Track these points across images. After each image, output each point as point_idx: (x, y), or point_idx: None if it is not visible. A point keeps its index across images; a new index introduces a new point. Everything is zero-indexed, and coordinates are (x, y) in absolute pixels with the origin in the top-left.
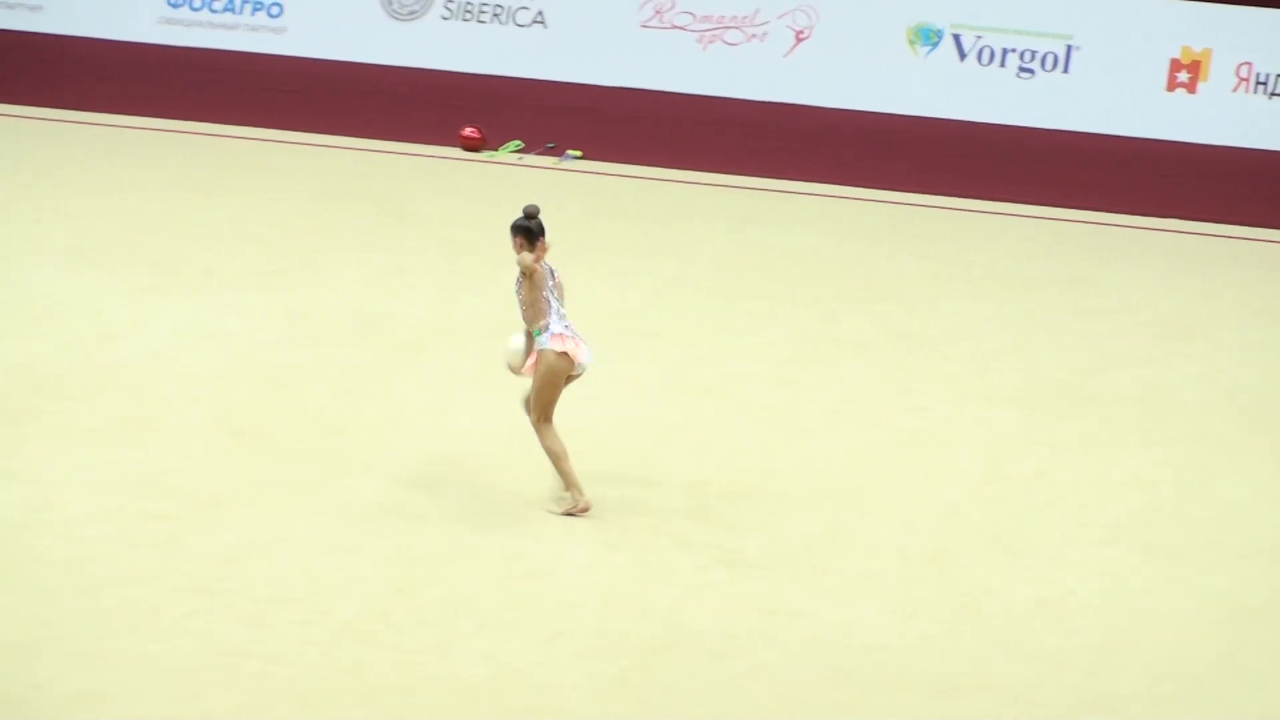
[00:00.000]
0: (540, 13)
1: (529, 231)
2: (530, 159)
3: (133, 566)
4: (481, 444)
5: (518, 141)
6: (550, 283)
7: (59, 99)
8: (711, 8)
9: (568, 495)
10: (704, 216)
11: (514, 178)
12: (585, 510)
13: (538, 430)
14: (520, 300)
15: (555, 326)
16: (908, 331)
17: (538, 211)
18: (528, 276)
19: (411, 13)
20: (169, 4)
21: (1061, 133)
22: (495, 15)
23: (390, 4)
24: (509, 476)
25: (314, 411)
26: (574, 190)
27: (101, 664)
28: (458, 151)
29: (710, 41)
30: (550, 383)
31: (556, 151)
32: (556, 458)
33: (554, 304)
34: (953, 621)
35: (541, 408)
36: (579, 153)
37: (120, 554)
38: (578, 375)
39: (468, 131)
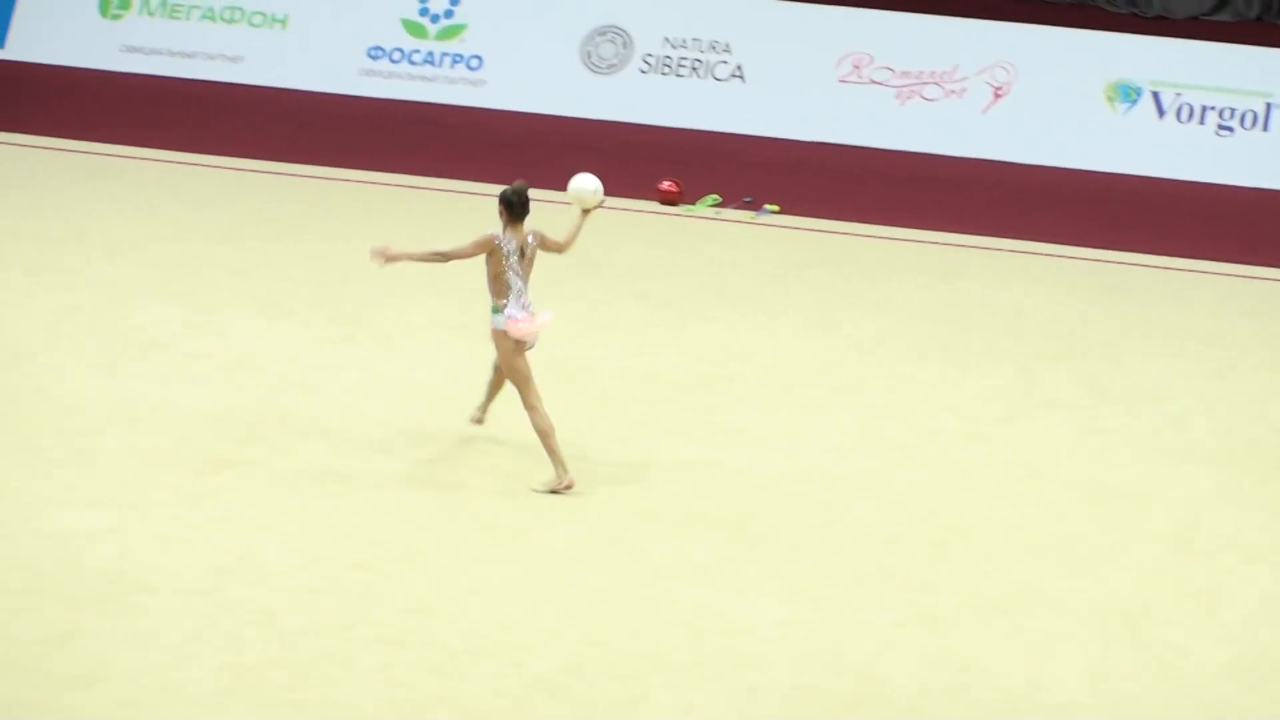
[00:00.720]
0: (739, 67)
1: (511, 205)
2: (727, 213)
3: (326, 616)
4: (674, 498)
5: (715, 196)
6: (517, 260)
7: (258, 150)
8: (910, 63)
9: (558, 478)
10: (900, 271)
11: (711, 232)
12: (569, 487)
13: (531, 419)
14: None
15: (512, 309)
16: (1103, 388)
17: (526, 189)
18: (489, 253)
19: (611, 66)
20: (369, 56)
21: (1261, 190)
22: (694, 70)
23: (589, 58)
24: (703, 530)
25: (508, 463)
26: (771, 244)
27: (294, 713)
28: (655, 205)
29: (909, 97)
30: (509, 364)
31: (754, 206)
32: (546, 435)
33: (515, 285)
34: (1146, 680)
35: (521, 389)
36: (776, 207)
37: (315, 603)
38: (531, 346)
39: (665, 185)
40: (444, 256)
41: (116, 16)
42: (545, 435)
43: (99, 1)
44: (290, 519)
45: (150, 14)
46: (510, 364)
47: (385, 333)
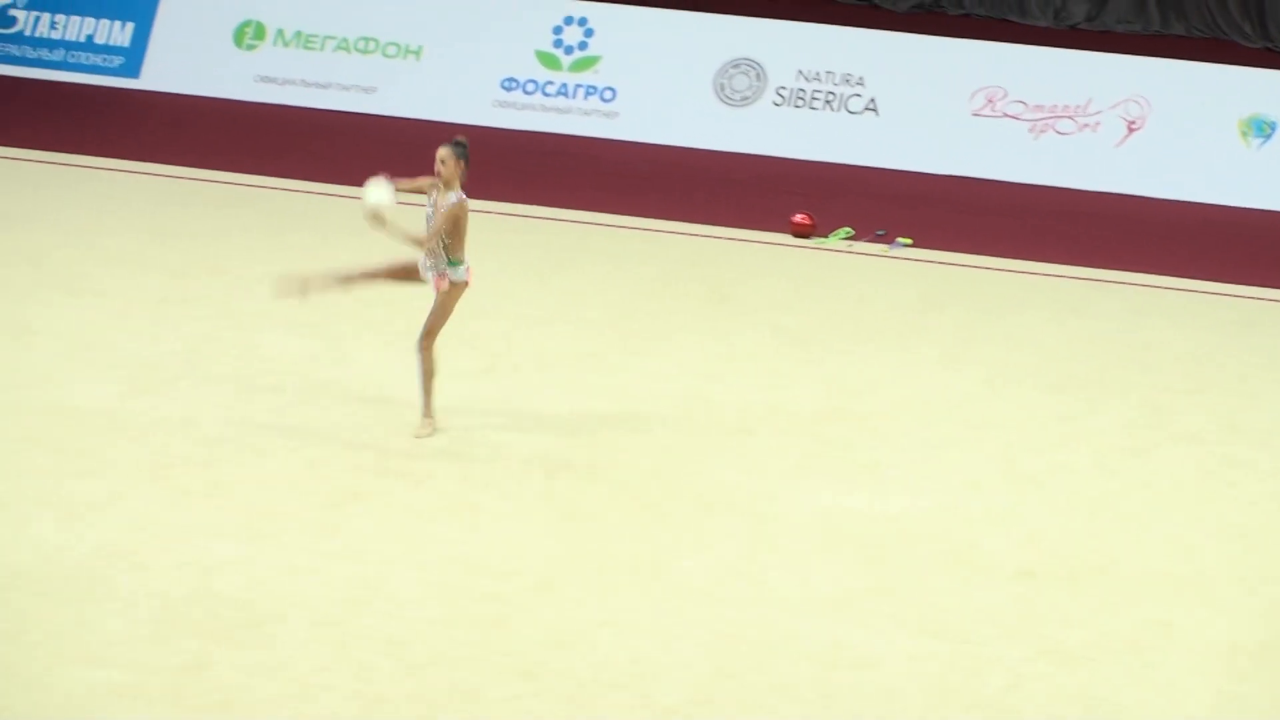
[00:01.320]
0: (873, 100)
1: (466, 156)
2: (860, 246)
3: (457, 647)
4: (805, 531)
5: (848, 229)
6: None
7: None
8: (1044, 97)
9: (424, 421)
10: (1033, 306)
11: (844, 264)
12: (429, 434)
13: (428, 352)
14: (433, 227)
15: (468, 261)
16: (1235, 423)
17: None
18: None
19: (744, 99)
20: (503, 87)
21: None
22: (827, 102)
23: (723, 90)
24: (833, 562)
25: (639, 495)
26: (904, 278)
27: None
28: (788, 237)
29: (1042, 131)
30: (450, 309)
31: (887, 239)
32: (428, 376)
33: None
34: (1277, 718)
35: (437, 331)
36: (909, 240)
37: (445, 634)
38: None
39: (798, 218)
40: (429, 238)
41: (251, 47)
42: (429, 376)
43: (233, 32)
44: (421, 550)
45: (285, 44)
46: (447, 312)
47: (519, 365)
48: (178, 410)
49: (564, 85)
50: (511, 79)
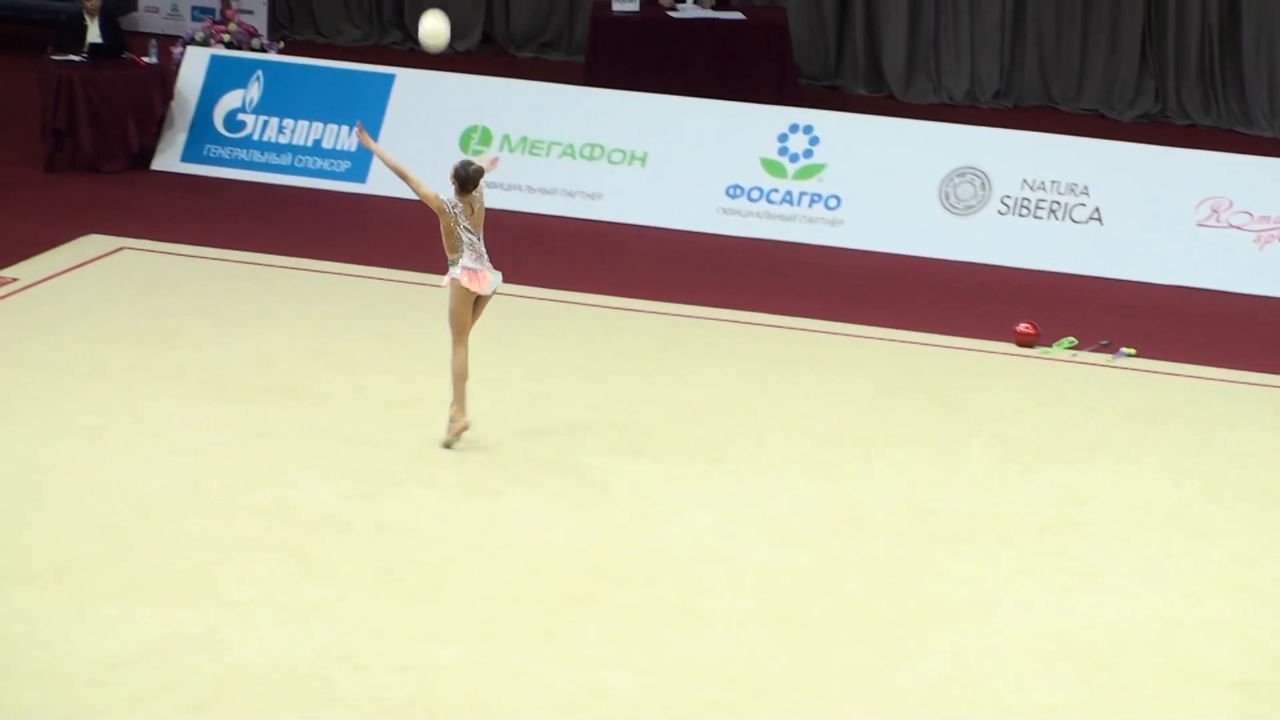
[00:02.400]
0: (1097, 209)
1: (463, 182)
2: (1084, 356)
3: None
4: (1026, 639)
5: (1072, 338)
6: (465, 219)
7: (617, 287)
8: (1270, 207)
9: (453, 421)
10: (1257, 418)
11: (1067, 374)
12: (463, 429)
13: (453, 347)
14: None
15: (466, 260)
16: None
17: (479, 172)
18: (436, 211)
19: (969, 208)
20: (727, 194)
21: None
22: (1052, 212)
23: (947, 199)
24: (1054, 671)
25: (858, 601)
26: (1127, 388)
27: None
28: (1011, 346)
29: (1268, 241)
30: (456, 307)
31: (1110, 349)
32: (458, 378)
33: (467, 240)
34: None
35: (454, 331)
36: (1133, 350)
37: None
38: (489, 296)
39: (1022, 327)
40: (405, 176)
41: (477, 152)
42: (460, 378)
43: (460, 137)
44: (642, 654)
45: (510, 150)
46: (455, 310)
47: (740, 470)
48: (401, 513)
49: (789, 193)
50: (736, 186)
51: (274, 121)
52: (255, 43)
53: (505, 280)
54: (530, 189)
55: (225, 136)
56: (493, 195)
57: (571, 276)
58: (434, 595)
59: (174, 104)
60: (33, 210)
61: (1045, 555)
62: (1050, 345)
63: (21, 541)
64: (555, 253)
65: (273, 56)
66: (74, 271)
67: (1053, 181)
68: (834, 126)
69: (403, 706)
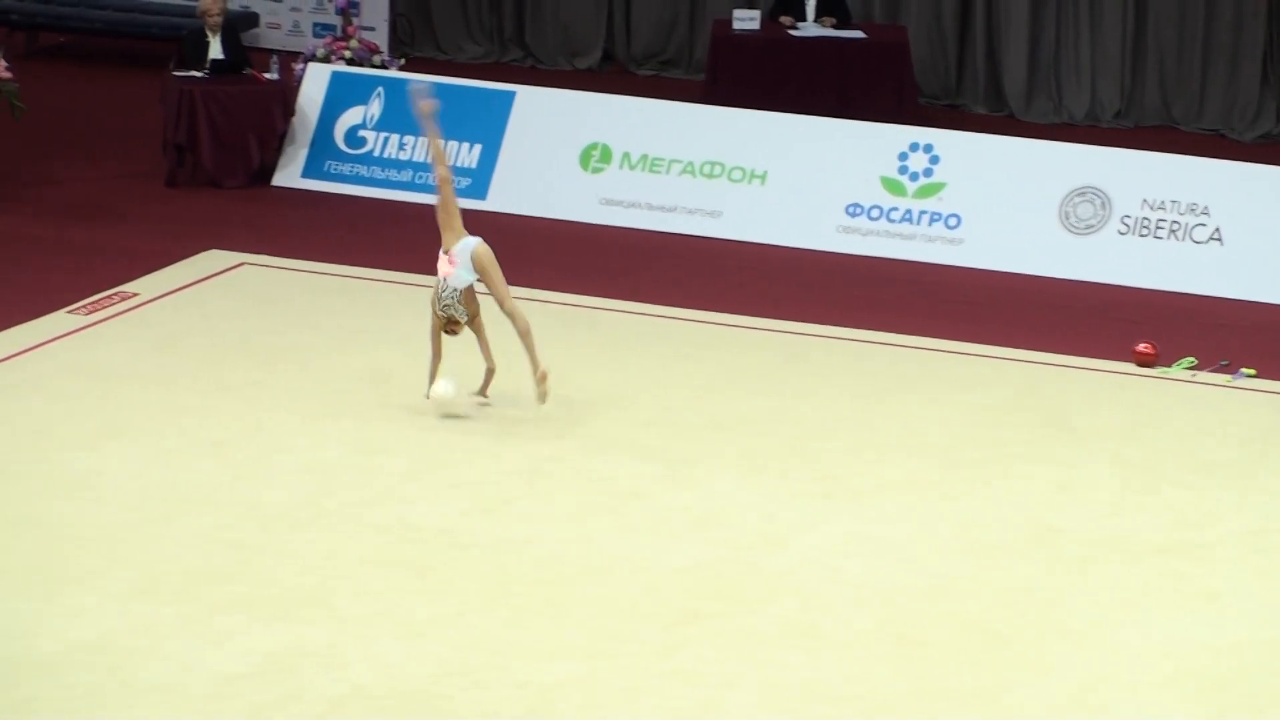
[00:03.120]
0: (1218, 229)
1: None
2: (1203, 376)
3: None
4: (1144, 660)
5: (1191, 359)
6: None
7: (734, 304)
8: None
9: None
10: None
11: (1186, 394)
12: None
13: (515, 313)
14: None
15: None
16: None
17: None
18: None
19: (1089, 227)
20: (847, 212)
21: None
22: (1172, 232)
23: (1067, 219)
24: (1174, 692)
25: (977, 622)
26: (1247, 409)
27: None
28: (1130, 366)
29: None
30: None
31: (1230, 369)
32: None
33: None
34: None
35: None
36: (1253, 371)
37: None
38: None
39: (1142, 347)
40: (438, 156)
41: (597, 170)
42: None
43: (579, 154)
44: (758, 673)
45: (630, 168)
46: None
47: (860, 489)
48: (518, 530)
49: (908, 211)
50: (856, 205)
51: (394, 138)
52: (376, 59)
53: (630, 298)
54: (650, 206)
55: (346, 153)
56: (612, 213)
57: (690, 294)
58: (551, 611)
59: (295, 120)
60: (154, 225)
61: (1165, 577)
62: (1169, 365)
63: (144, 556)
64: (674, 270)
65: (394, 73)
66: (194, 287)
67: (1173, 201)
68: (954, 145)
69: None
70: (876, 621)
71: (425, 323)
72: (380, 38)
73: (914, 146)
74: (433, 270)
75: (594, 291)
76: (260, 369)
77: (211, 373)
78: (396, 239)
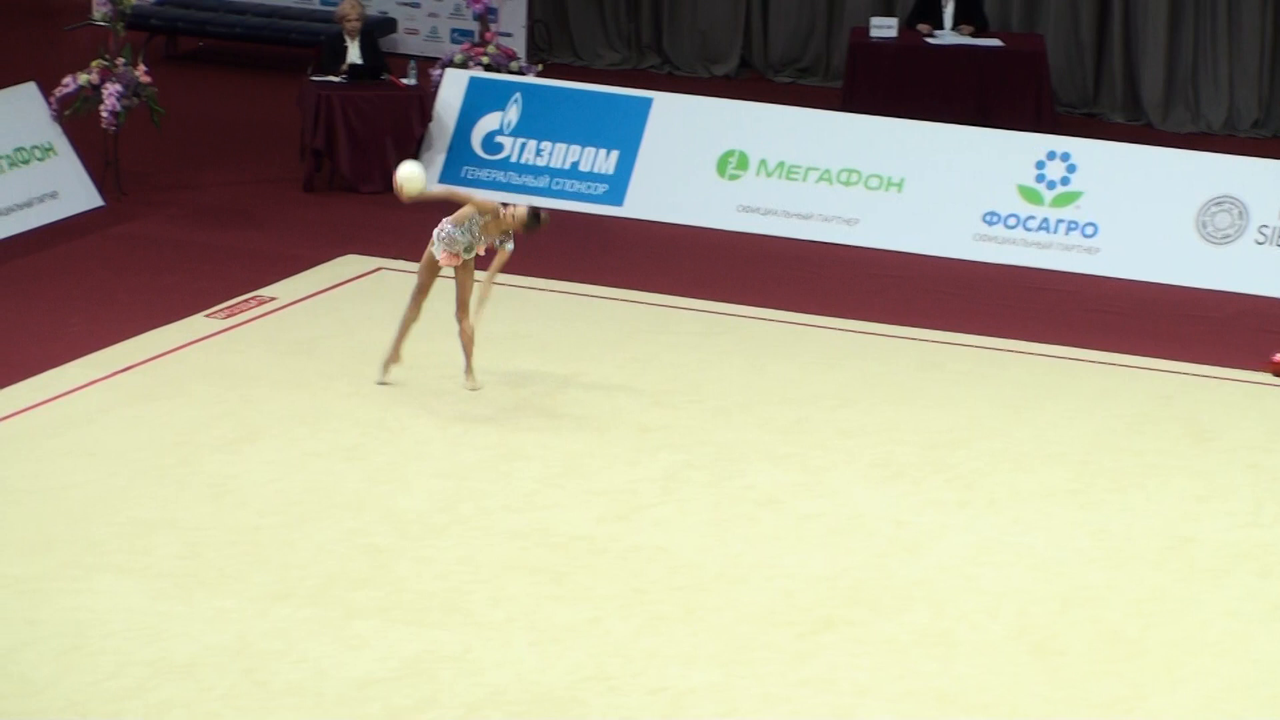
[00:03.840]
0: None
1: (533, 219)
2: None
3: None
4: (1277, 674)
5: None
6: (479, 230)
7: (871, 312)
8: None
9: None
10: None
11: None
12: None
13: (475, 318)
14: (479, 233)
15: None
16: None
17: (545, 221)
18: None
19: (1225, 237)
20: (984, 221)
21: None
22: None
23: (1204, 228)
24: None
25: (1114, 630)
26: None
27: None
28: (1266, 376)
29: None
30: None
31: None
32: (468, 342)
33: (470, 228)
34: None
35: (464, 301)
36: None
37: None
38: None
39: (1278, 357)
40: (455, 196)
41: (734, 177)
42: (469, 342)
43: (717, 161)
44: (894, 681)
45: (767, 175)
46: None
47: (995, 497)
48: (654, 536)
49: (1045, 220)
50: (993, 213)
51: (531, 144)
52: (514, 65)
53: (763, 304)
54: (786, 214)
55: (483, 158)
56: (750, 220)
57: (826, 302)
58: (686, 617)
59: (432, 125)
60: (292, 230)
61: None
62: None
63: (281, 560)
64: (810, 278)
65: (531, 79)
66: (331, 291)
67: None
68: (1091, 154)
69: None
70: (1011, 630)
71: (566, 330)
72: (518, 44)
73: (1051, 155)
74: (564, 277)
75: (730, 298)
76: (399, 373)
77: (348, 376)
78: (531, 244)
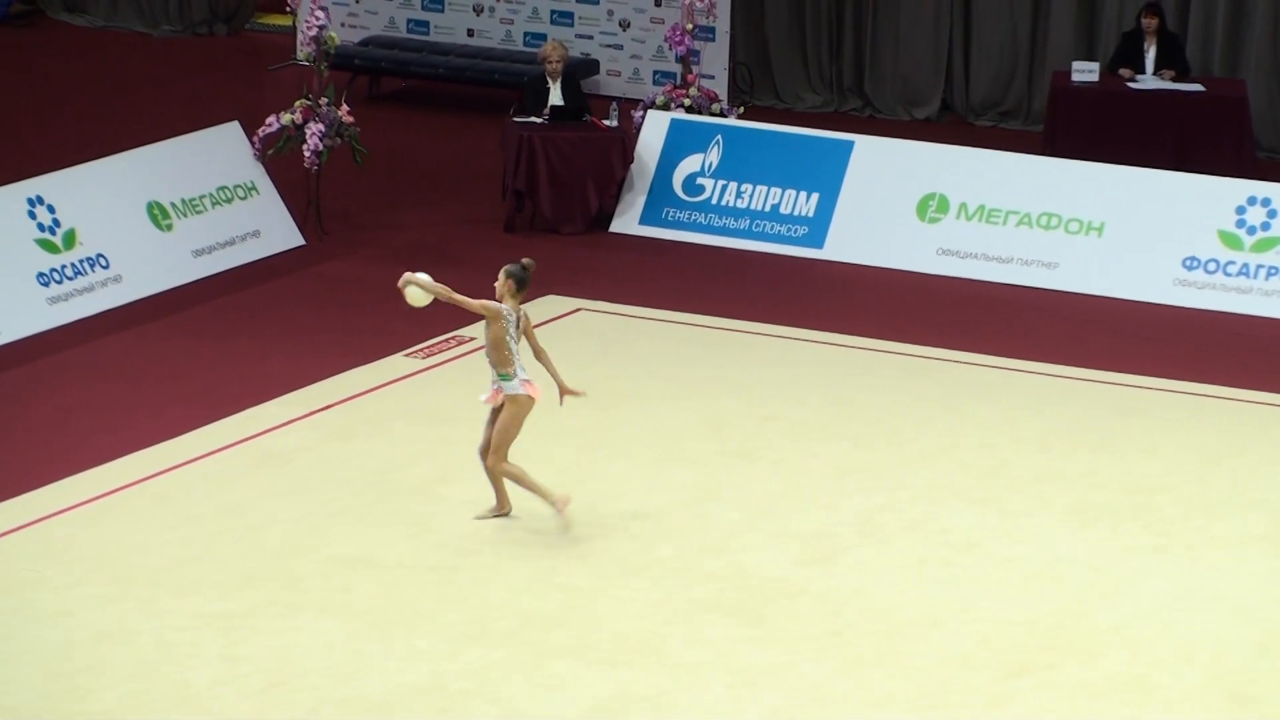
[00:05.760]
0: None
1: (520, 282)
2: None
3: None
4: None
5: None
6: (515, 329)
7: (1071, 357)
8: None
9: (553, 504)
10: None
11: None
12: (567, 502)
13: (497, 468)
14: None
15: (523, 373)
16: None
17: (532, 268)
18: (491, 319)
19: None
20: (1184, 266)
21: None
22: None
23: None
24: None
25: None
26: None
27: None
28: None
29: None
30: (519, 423)
31: None
32: (519, 478)
33: (516, 350)
34: None
35: (506, 446)
36: None
37: None
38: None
39: None
40: (453, 300)
41: (934, 220)
42: (522, 478)
43: (917, 204)
44: None
45: (967, 218)
46: (519, 425)
47: (1192, 543)
48: (851, 579)
49: (1245, 265)
50: (1193, 258)
51: (732, 186)
52: (715, 108)
53: (960, 348)
54: (986, 257)
55: (684, 200)
56: (948, 263)
57: (1024, 346)
58: (882, 661)
59: (633, 167)
60: (492, 270)
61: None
62: None
63: (478, 599)
64: (1010, 322)
65: (732, 121)
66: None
67: None
68: None
69: None
70: (1207, 676)
71: (765, 372)
72: (720, 86)
73: (1252, 200)
74: (764, 319)
75: (929, 341)
76: (595, 414)
77: (547, 417)
78: (732, 286)
